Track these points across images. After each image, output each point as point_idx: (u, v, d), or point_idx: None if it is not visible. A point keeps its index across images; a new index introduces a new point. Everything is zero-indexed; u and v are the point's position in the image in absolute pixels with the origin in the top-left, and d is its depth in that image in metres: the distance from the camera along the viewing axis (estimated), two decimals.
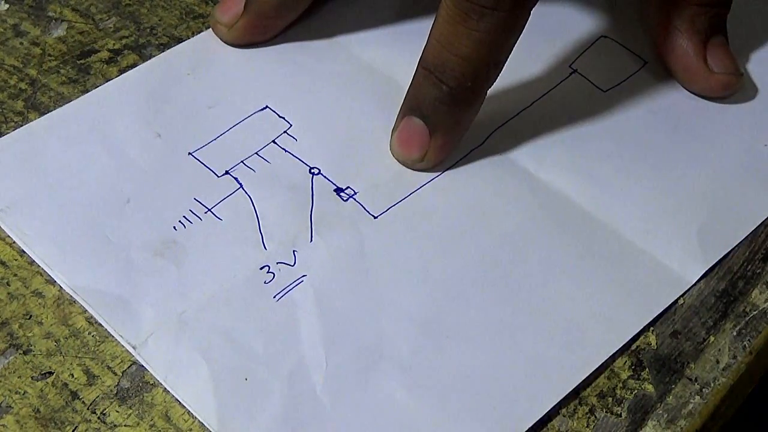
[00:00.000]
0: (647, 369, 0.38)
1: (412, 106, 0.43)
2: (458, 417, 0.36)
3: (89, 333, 0.38)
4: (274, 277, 0.39)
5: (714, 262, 0.41)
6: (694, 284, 0.40)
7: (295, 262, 0.40)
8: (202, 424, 0.35)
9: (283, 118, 0.45)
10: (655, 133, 0.46)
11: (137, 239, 0.40)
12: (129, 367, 0.37)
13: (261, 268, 0.39)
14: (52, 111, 0.45)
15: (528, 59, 0.48)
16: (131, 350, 0.37)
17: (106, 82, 0.46)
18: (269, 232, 0.41)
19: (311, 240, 0.41)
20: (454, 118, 0.43)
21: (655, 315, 0.39)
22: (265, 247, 0.40)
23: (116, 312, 0.38)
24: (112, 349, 0.37)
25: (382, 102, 0.46)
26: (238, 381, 0.36)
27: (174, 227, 0.41)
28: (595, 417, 0.36)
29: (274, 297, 0.39)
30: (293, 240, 0.40)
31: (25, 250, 0.40)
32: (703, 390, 0.37)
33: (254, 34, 0.48)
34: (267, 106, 0.46)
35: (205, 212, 0.41)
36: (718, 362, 0.38)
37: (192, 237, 0.40)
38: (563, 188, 0.43)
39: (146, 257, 0.39)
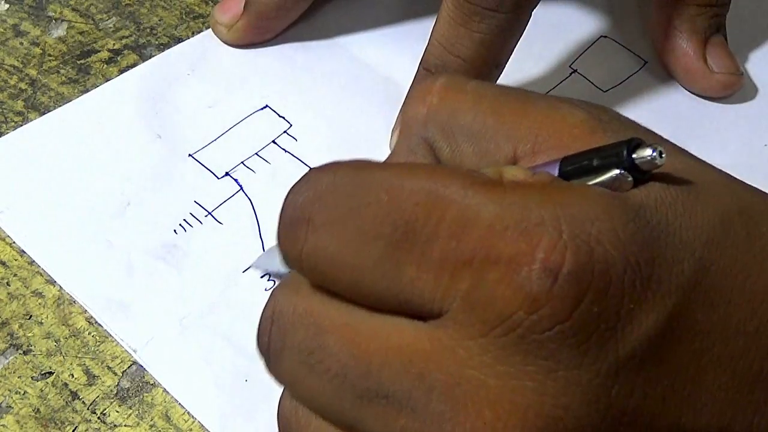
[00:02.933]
0: None
1: None
2: None
3: (89, 333, 0.38)
4: (275, 282, 0.39)
5: None
6: None
7: None
8: (202, 424, 0.35)
9: (283, 118, 0.45)
10: None
11: (138, 243, 0.40)
12: (129, 367, 0.37)
13: (262, 274, 0.39)
14: (52, 111, 0.45)
15: (528, 59, 0.48)
16: (132, 354, 0.37)
17: (106, 82, 0.46)
18: (270, 237, 0.41)
19: None
20: None
21: None
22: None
23: (117, 316, 0.38)
24: (112, 349, 0.37)
25: (382, 102, 0.46)
26: (238, 383, 0.36)
27: (174, 231, 0.41)
28: None
29: None
30: None
31: (26, 251, 0.40)
32: None
33: (254, 35, 0.48)
34: (267, 106, 0.46)
35: (206, 215, 0.41)
36: None
37: (192, 241, 0.40)
38: None
39: (147, 261, 0.39)
